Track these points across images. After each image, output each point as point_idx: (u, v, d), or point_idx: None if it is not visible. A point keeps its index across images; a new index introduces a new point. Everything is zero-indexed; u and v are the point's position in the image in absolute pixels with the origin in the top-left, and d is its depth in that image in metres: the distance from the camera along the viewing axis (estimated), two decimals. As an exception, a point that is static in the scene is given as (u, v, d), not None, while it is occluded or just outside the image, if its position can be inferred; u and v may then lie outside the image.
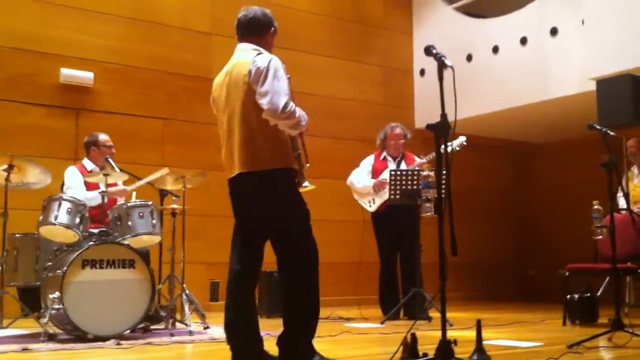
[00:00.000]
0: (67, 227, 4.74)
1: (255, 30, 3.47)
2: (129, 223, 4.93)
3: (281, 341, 3.26)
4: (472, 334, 3.58)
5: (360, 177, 6.35)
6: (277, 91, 3.20)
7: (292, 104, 3.23)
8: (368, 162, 6.46)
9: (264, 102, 3.20)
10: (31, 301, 4.93)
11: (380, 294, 6.29)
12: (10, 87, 6.94)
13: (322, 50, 8.92)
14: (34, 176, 5.12)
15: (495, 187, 10.26)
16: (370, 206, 6.29)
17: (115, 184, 5.53)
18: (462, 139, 5.88)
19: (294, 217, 3.31)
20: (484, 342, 3.47)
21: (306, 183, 3.46)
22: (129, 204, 5.03)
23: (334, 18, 9.14)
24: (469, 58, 8.78)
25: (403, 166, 6.25)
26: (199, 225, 6.88)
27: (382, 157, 6.42)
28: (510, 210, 10.44)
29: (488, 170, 10.10)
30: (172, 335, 4.73)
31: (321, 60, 8.86)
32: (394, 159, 6.37)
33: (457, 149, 5.80)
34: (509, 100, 8.35)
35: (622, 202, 6.06)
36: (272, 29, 3.52)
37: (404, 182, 5.74)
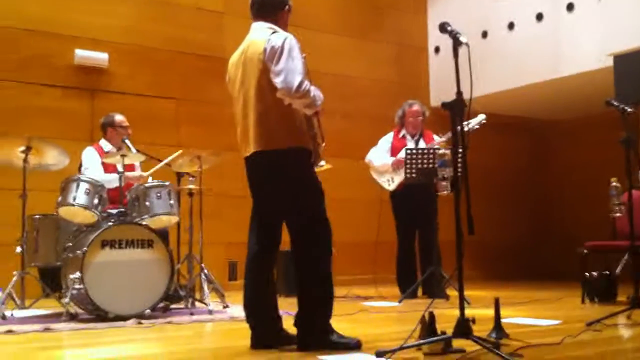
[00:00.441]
0: (86, 207, 4.78)
1: (270, 9, 3.46)
2: (147, 203, 4.97)
3: (298, 321, 3.28)
4: (490, 312, 3.59)
5: (379, 155, 6.31)
6: (291, 69, 3.19)
7: (307, 82, 3.21)
8: (386, 140, 6.40)
9: (278, 80, 3.19)
10: (52, 281, 5.00)
11: (398, 273, 6.28)
12: (24, 68, 6.97)
13: (334, 29, 8.87)
14: (52, 157, 5.15)
15: (511, 165, 10.21)
16: (389, 185, 6.24)
17: (132, 165, 5.56)
18: (481, 116, 5.77)
19: (308, 196, 3.32)
20: (502, 320, 3.48)
21: (322, 162, 3.46)
22: (146, 185, 5.06)
23: (346, -4, 9.08)
24: (484, 35, 8.71)
25: (422, 144, 6.19)
26: (215, 205, 6.92)
27: (400, 135, 6.36)
28: (527, 188, 10.39)
29: (504, 148, 10.04)
30: (191, 314, 4.77)
31: (333, 39, 8.81)
32: (413, 136, 6.31)
33: (477, 127, 5.72)
34: (525, 78, 8.28)
35: None
36: (287, 7, 3.50)
37: (420, 161, 5.71)
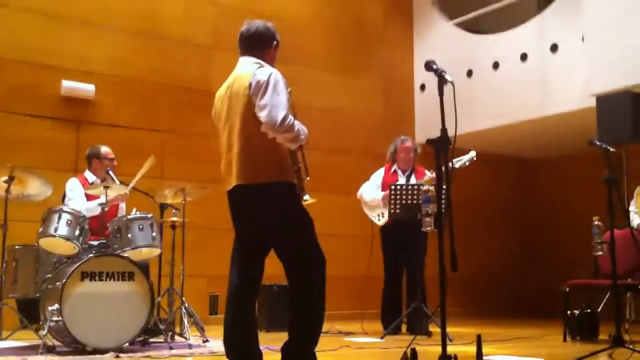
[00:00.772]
0: (67, 239, 4.73)
1: (258, 44, 3.49)
2: (129, 235, 4.93)
3: (286, 350, 3.25)
4: (472, 349, 3.56)
5: (370, 190, 6.29)
6: (275, 104, 3.21)
7: (290, 117, 3.24)
8: (378, 175, 6.40)
9: (262, 115, 3.20)
10: (30, 313, 4.92)
11: (383, 309, 6.25)
12: (12, 98, 6.95)
13: (321, 64, 8.94)
14: (35, 188, 5.11)
15: (495, 202, 10.25)
16: (379, 220, 6.23)
17: (116, 197, 5.53)
18: (472, 153, 5.80)
19: (299, 225, 3.32)
20: (485, 358, 3.45)
21: (307, 197, 3.46)
22: (129, 217, 5.02)
23: (334, 32, 9.19)
24: (469, 73, 8.82)
25: (412, 180, 6.19)
26: (198, 238, 6.87)
27: (392, 171, 6.36)
28: (511, 225, 10.42)
29: (489, 185, 10.09)
30: (171, 348, 4.70)
31: (320, 74, 8.88)
32: (404, 172, 6.31)
33: (467, 164, 5.75)
34: (509, 116, 8.38)
35: (637, 219, 6.00)
36: (275, 42, 3.54)
37: (404, 197, 5.73)
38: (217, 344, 4.93)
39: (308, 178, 3.50)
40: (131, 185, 5.44)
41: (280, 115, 3.19)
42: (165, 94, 7.79)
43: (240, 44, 3.52)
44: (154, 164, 5.41)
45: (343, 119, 9.00)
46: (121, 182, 5.25)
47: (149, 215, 5.08)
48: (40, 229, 4.77)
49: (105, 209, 4.93)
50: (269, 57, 3.50)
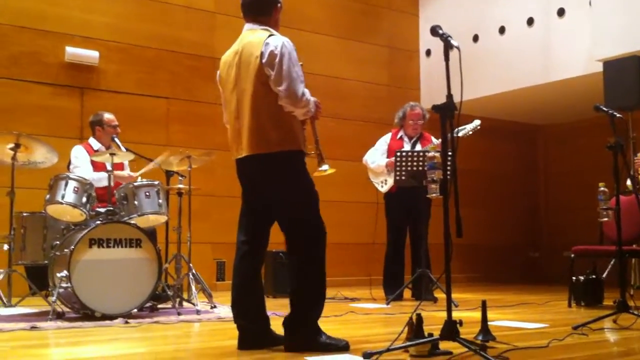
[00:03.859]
0: (74, 206, 4.76)
1: (261, 8, 3.44)
2: (136, 202, 4.95)
3: (287, 321, 3.28)
4: (477, 314, 3.60)
5: (375, 157, 6.27)
6: (294, 78, 3.21)
7: (307, 91, 3.25)
8: (384, 141, 6.36)
9: (281, 88, 3.20)
10: (39, 280, 4.97)
11: (384, 275, 6.28)
12: (14, 65, 6.94)
13: (324, 30, 8.87)
14: (41, 155, 5.12)
15: (500, 169, 10.25)
16: (382, 187, 6.23)
17: (121, 164, 5.55)
18: (476, 122, 5.76)
19: (302, 197, 3.32)
20: (489, 323, 3.49)
21: (326, 166, 3.46)
22: (135, 184, 5.04)
23: (338, -3, 9.10)
24: (475, 39, 8.75)
25: (418, 147, 6.15)
26: (204, 205, 6.91)
27: (398, 137, 6.31)
28: (516, 192, 10.44)
29: (493, 152, 10.09)
30: (179, 314, 4.75)
31: (323, 40, 8.82)
32: (410, 138, 6.26)
33: (471, 132, 5.72)
34: (515, 82, 8.33)
35: None
36: (278, 4, 3.48)
37: (409, 163, 5.71)
38: (224, 310, 4.98)
39: (311, 153, 3.49)
40: (141, 172, 5.46)
41: (300, 90, 3.21)
42: (168, 60, 7.76)
43: (243, 8, 3.47)
44: (167, 159, 5.38)
45: (346, 85, 8.95)
46: (127, 149, 5.25)
47: (156, 183, 5.10)
48: (48, 196, 4.79)
49: (112, 183, 4.94)
50: (273, 21, 3.46)
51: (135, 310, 4.64)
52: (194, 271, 5.25)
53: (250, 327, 3.33)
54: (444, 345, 3.05)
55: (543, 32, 8.09)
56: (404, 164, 5.72)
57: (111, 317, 4.45)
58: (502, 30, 8.53)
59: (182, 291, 5.31)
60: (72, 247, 4.48)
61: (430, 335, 3.04)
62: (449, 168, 3.23)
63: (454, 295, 3.22)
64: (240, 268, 3.39)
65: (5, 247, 4.86)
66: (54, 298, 4.51)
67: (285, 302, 3.37)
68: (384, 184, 6.19)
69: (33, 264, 5.07)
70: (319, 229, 3.31)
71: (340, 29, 9.05)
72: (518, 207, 10.41)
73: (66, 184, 4.79)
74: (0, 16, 6.89)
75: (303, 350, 3.17)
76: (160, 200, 5.05)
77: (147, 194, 5.00)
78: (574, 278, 5.60)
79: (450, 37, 3.22)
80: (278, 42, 3.26)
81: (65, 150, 5.50)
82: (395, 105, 6.62)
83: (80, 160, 5.44)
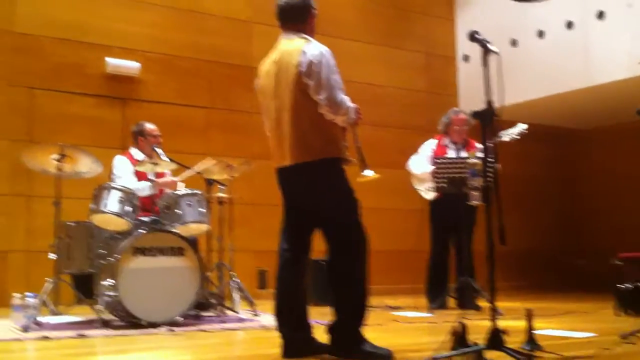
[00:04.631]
0: (119, 215, 4.83)
1: (297, 15, 3.46)
2: (178, 211, 5.01)
3: (332, 328, 3.29)
4: (522, 323, 3.56)
5: (419, 163, 6.19)
6: (333, 86, 3.23)
7: (347, 98, 3.26)
8: (428, 147, 6.28)
9: (321, 97, 3.22)
10: (85, 288, 5.06)
11: (428, 283, 6.22)
12: (57, 77, 7.08)
13: (360, 36, 8.88)
14: (85, 165, 5.22)
15: (541, 174, 10.12)
16: (427, 194, 6.15)
17: (163, 173, 5.62)
18: (522, 126, 5.57)
19: (344, 204, 3.33)
20: (535, 332, 3.45)
21: (369, 172, 3.46)
22: (177, 193, 5.10)
23: (372, 3, 9.09)
24: (514, 43, 8.66)
25: (463, 153, 6.05)
26: (245, 213, 6.95)
27: (443, 143, 6.24)
28: (558, 198, 10.29)
29: (534, 157, 9.95)
30: (222, 322, 4.80)
31: (359, 46, 8.81)
32: (455, 145, 6.19)
33: (517, 137, 5.56)
34: (554, 86, 8.22)
35: None
36: (313, 11, 3.50)
37: (449, 170, 5.66)
38: (267, 318, 5.00)
39: (352, 160, 3.50)
40: (182, 177, 5.53)
41: (339, 97, 3.23)
42: (207, 69, 7.85)
43: (278, 17, 3.49)
44: (207, 166, 5.45)
45: (383, 92, 8.93)
46: (169, 159, 5.33)
47: (198, 192, 5.16)
48: (93, 206, 4.87)
49: (156, 191, 5.00)
50: (309, 27, 3.48)
51: (179, 318, 4.70)
52: (236, 279, 5.29)
53: (294, 335, 3.35)
54: (489, 354, 3.02)
55: (583, 35, 7.97)
56: (443, 171, 5.68)
57: (156, 325, 4.51)
58: (540, 34, 8.43)
59: (225, 299, 5.36)
60: (118, 255, 4.56)
61: (475, 344, 3.02)
62: (490, 175, 3.21)
63: (497, 304, 3.18)
64: (283, 276, 3.41)
65: (52, 256, 4.95)
66: (100, 306, 4.59)
67: (327, 310, 3.38)
68: (429, 190, 6.10)
69: (79, 273, 5.15)
70: (362, 234, 3.32)
71: (375, 35, 9.05)
72: (561, 213, 10.25)
73: (110, 194, 4.86)
74: (43, 29, 7.05)
75: (347, 358, 3.17)
76: (201, 209, 5.11)
77: (189, 203, 5.06)
78: (620, 286, 5.49)
79: (489, 42, 3.20)
80: (316, 50, 3.28)
81: (107, 160, 5.58)
82: (433, 111, 6.59)
83: (122, 170, 5.51)
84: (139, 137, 5.71)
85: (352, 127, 3.47)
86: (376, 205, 7.53)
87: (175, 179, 5.64)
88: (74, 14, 7.23)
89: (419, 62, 9.38)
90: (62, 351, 3.68)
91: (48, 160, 5.03)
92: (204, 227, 5.25)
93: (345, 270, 3.29)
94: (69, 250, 5.06)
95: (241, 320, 4.87)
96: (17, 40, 6.93)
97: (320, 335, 3.34)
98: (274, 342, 3.45)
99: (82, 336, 4.15)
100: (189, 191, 5.13)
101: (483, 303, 5.67)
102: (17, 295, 4.78)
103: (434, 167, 5.82)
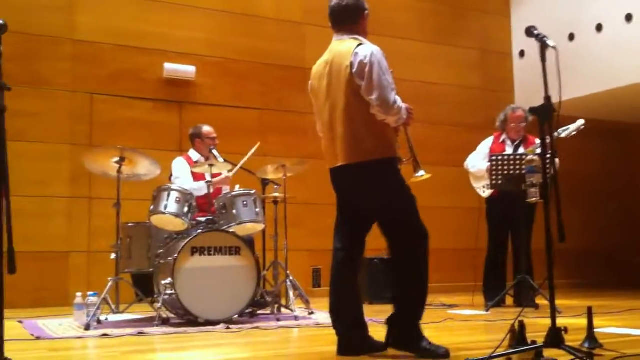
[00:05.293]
0: (177, 215, 4.92)
1: (350, 17, 3.47)
2: (234, 211, 5.07)
3: (392, 322, 3.30)
4: (582, 321, 3.49)
5: (476, 161, 6.12)
6: (384, 86, 3.23)
7: (398, 98, 3.26)
8: (486, 145, 6.20)
9: (373, 98, 3.22)
10: (145, 287, 5.17)
11: (485, 281, 6.14)
12: (116, 83, 7.26)
13: (413, 35, 8.82)
14: (144, 168, 5.34)
15: (599, 171, 9.87)
16: (484, 192, 6.09)
17: (219, 174, 5.71)
18: (580, 122, 5.43)
19: (402, 201, 3.32)
20: (595, 330, 3.37)
21: (422, 172, 3.45)
22: (233, 193, 5.17)
23: (426, 2, 9.03)
24: (571, 37, 8.47)
25: (521, 150, 5.95)
26: (299, 213, 7.00)
27: (500, 140, 6.16)
28: (616, 195, 10.01)
29: (592, 153, 9.71)
30: (278, 320, 4.84)
31: (412, 45, 8.76)
32: (513, 142, 6.09)
33: (575, 133, 5.42)
34: (614, 81, 8.01)
35: None
36: (365, 12, 3.51)
37: (506, 168, 5.58)
38: (322, 316, 5.03)
39: (405, 160, 3.49)
40: (235, 170, 5.61)
41: (391, 98, 3.23)
42: (260, 71, 7.92)
43: (331, 18, 3.51)
44: (265, 166, 5.54)
45: (437, 90, 8.86)
46: (225, 160, 5.41)
47: (252, 192, 5.22)
48: (152, 207, 4.98)
49: (211, 191, 5.09)
50: (362, 28, 3.48)
51: (236, 316, 4.76)
52: (291, 278, 5.33)
53: (349, 333, 3.36)
54: (548, 352, 2.96)
55: (643, 28, 7.75)
56: (500, 168, 5.60)
57: (213, 323, 4.58)
58: (599, 27, 8.23)
59: (280, 297, 5.40)
60: (176, 255, 4.65)
61: (534, 342, 2.97)
62: (548, 171, 3.15)
63: (556, 302, 3.12)
64: (337, 275, 3.43)
65: (113, 256, 5.07)
66: (159, 304, 4.69)
67: (382, 308, 3.40)
68: (487, 188, 6.02)
69: (139, 272, 5.28)
70: (421, 230, 3.31)
71: (429, 33, 8.99)
72: (621, 209, 9.98)
73: (168, 195, 4.97)
74: (102, 36, 7.24)
75: (404, 350, 3.21)
76: (257, 209, 5.16)
77: (245, 203, 5.11)
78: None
79: (547, 37, 3.15)
80: (367, 51, 3.28)
81: (165, 162, 5.70)
82: (489, 108, 6.51)
83: (181, 172, 5.63)
84: (197, 140, 5.82)
85: (404, 127, 3.47)
86: (432, 204, 7.48)
87: (229, 174, 5.71)
88: (131, 21, 7.41)
89: (473, 59, 9.27)
90: (122, 349, 3.77)
91: (108, 164, 5.16)
92: (259, 227, 5.30)
93: (406, 266, 3.29)
94: (129, 251, 5.18)
95: (296, 318, 4.90)
96: (78, 47, 7.14)
97: (376, 333, 3.34)
98: (329, 340, 3.47)
99: (141, 334, 4.25)
100: (245, 191, 5.19)
101: (541, 301, 5.57)
102: (79, 294, 4.93)
103: (489, 164, 5.74)
